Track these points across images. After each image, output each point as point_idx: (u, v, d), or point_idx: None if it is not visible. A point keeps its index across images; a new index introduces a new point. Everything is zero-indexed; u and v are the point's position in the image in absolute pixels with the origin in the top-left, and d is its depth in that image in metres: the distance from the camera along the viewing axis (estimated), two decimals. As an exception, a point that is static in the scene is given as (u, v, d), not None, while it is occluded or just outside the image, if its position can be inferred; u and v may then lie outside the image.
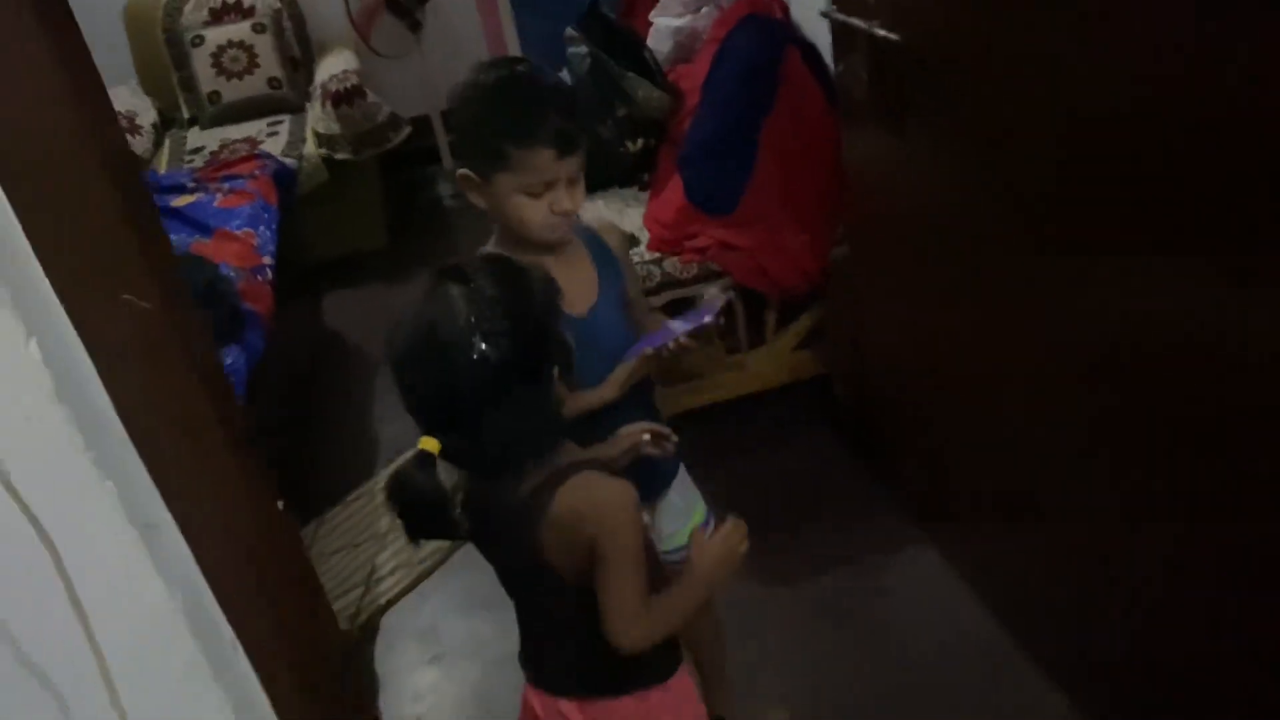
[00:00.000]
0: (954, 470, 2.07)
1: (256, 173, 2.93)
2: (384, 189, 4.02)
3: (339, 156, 3.59)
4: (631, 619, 1.16)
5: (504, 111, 1.34)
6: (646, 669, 1.28)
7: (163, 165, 3.67)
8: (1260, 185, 1.15)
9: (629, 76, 2.57)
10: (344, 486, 2.69)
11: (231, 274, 2.37)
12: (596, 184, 2.61)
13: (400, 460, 1.12)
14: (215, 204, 2.77)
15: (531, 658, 1.34)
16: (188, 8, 3.91)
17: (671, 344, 1.39)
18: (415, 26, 4.03)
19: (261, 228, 2.65)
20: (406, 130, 3.78)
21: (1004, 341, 1.74)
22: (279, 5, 3.95)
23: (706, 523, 1.61)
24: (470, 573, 2.35)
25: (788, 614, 2.08)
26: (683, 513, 1.59)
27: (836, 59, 2.06)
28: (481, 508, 1.20)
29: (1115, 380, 1.47)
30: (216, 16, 3.91)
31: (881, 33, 1.74)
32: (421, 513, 1.11)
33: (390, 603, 2.32)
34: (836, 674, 1.96)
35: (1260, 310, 1.19)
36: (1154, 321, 1.37)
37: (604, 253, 1.48)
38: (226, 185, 2.87)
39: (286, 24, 3.99)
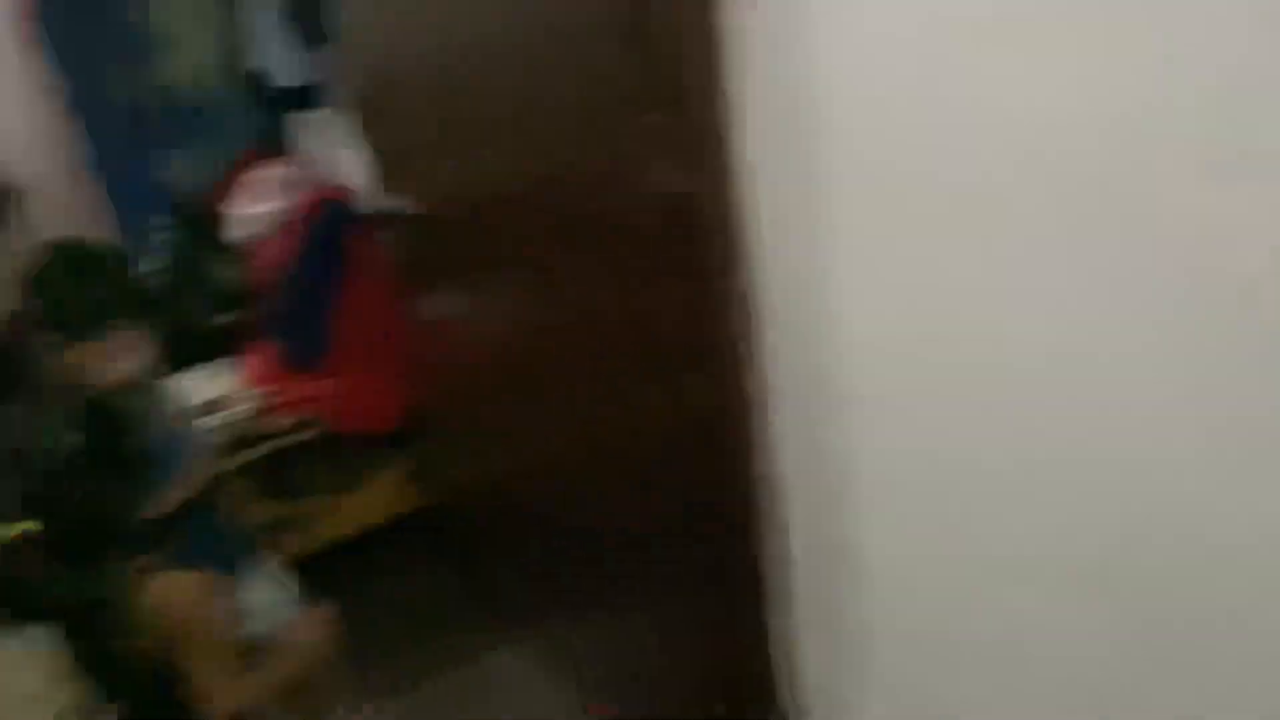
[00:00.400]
0: (519, 569, 2.46)
1: None
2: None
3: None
4: (218, 692, 1.37)
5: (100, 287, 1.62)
6: None
7: None
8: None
9: (212, 257, 2.86)
10: None
11: None
12: (188, 360, 2.82)
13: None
14: None
15: None
16: None
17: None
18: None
19: None
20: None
21: (531, 446, 2.17)
22: None
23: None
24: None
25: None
26: (268, 607, 1.80)
27: (387, 232, 2.49)
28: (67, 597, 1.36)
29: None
30: None
31: (411, 210, 2.18)
32: (16, 590, 1.28)
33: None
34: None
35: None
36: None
37: None
38: None
39: None
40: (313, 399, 2.70)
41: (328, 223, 2.84)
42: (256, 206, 3.17)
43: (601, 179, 1.58)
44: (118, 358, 1.58)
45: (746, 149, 1.34)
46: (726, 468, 1.59)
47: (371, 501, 2.87)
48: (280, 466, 2.68)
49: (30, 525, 1.26)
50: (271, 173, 3.22)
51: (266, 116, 3.23)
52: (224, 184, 3.43)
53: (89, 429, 1.34)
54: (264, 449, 2.64)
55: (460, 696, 2.39)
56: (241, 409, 2.67)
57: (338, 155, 3.29)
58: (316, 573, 2.11)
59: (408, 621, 2.64)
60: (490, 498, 2.50)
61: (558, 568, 2.25)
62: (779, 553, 1.63)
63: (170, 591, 1.37)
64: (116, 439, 1.39)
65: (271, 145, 3.26)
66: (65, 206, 4.39)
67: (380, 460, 2.88)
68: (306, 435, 2.66)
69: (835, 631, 1.59)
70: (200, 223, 2.98)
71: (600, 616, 2.19)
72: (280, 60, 3.04)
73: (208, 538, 1.63)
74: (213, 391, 2.68)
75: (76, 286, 1.59)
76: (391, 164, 2.35)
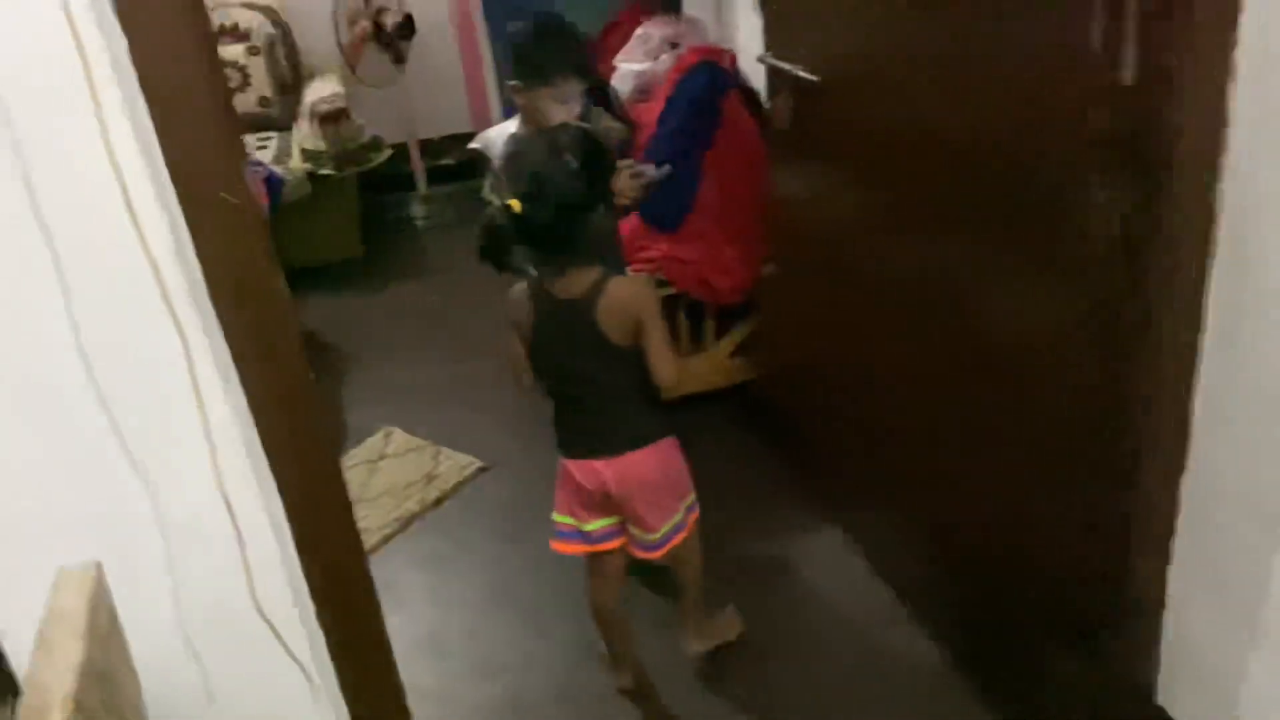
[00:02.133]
0: (844, 457, 2.40)
1: (249, 174, 3.21)
2: (361, 207, 4.32)
3: (322, 171, 3.90)
4: (670, 362, 1.77)
5: (556, 50, 2.15)
6: (658, 427, 1.88)
7: (156, 171, 3.94)
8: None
9: (592, 109, 2.91)
10: (315, 463, 2.95)
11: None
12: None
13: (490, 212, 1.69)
14: (211, 203, 3.05)
15: (574, 439, 1.88)
16: (187, 29, 4.21)
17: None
18: (399, 60, 4.36)
19: (254, 225, 2.93)
20: (387, 153, 4.10)
21: (891, 346, 2.07)
22: (273, 31, 4.27)
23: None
24: (426, 538, 2.63)
25: (714, 572, 2.36)
26: None
27: (769, 98, 2.42)
28: (549, 309, 1.77)
29: (979, 383, 1.80)
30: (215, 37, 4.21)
31: (803, 75, 2.08)
32: (493, 242, 1.68)
33: (354, 564, 2.57)
34: (746, 618, 2.24)
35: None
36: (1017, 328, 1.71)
37: None
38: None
39: (279, 49, 4.30)
40: (667, 260, 2.74)
41: (703, 84, 2.82)
42: (636, 62, 3.21)
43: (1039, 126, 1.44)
44: (562, 104, 2.07)
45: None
46: (1123, 384, 1.43)
47: (705, 367, 2.90)
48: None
49: (520, 205, 1.64)
50: (654, 29, 3.24)
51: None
52: (607, 35, 3.50)
53: (581, 153, 1.69)
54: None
55: (767, 569, 2.40)
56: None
57: (724, 15, 3.25)
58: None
59: (720, 490, 2.68)
60: (828, 381, 2.45)
61: (896, 461, 2.17)
62: (1168, 495, 1.47)
63: (625, 289, 1.75)
64: (599, 164, 1.74)
65: (661, 3, 3.28)
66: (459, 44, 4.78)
67: (720, 328, 2.90)
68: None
69: (1225, 588, 1.42)
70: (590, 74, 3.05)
71: (941, 519, 2.10)
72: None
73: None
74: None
75: (537, 44, 2.16)
76: (783, 27, 2.27)
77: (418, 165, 4.69)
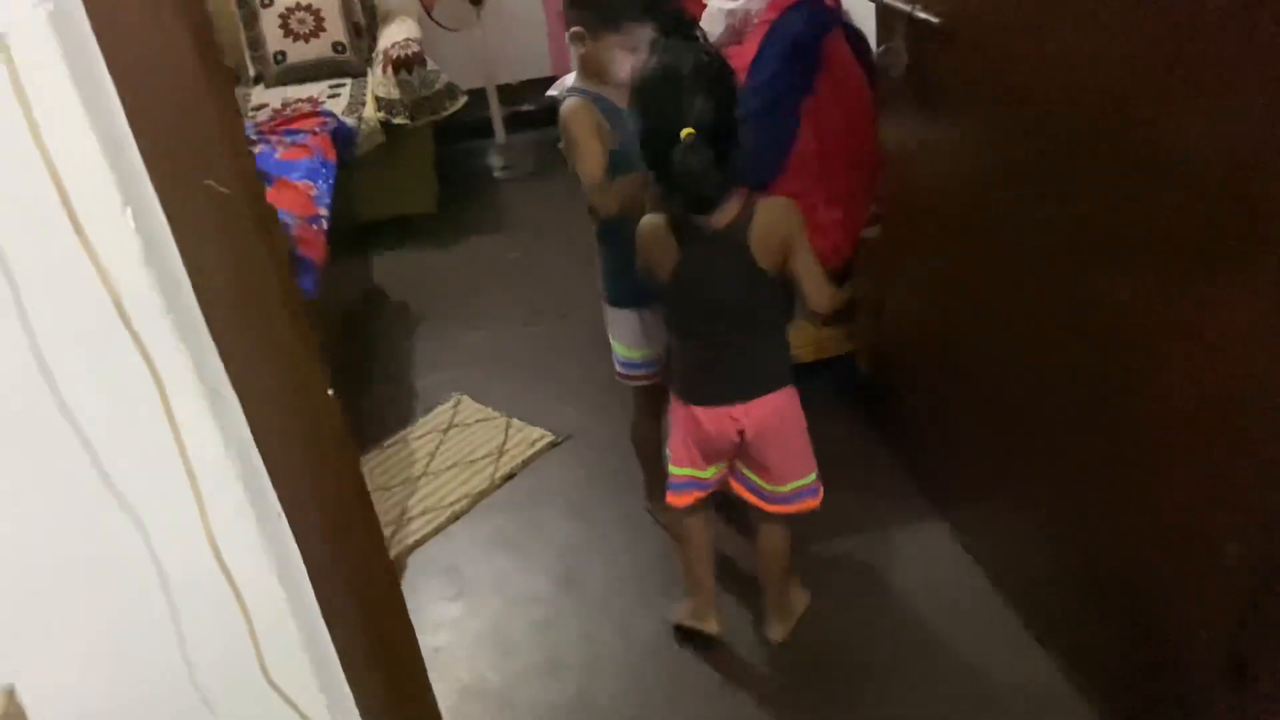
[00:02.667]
0: (964, 448, 2.14)
1: (317, 129, 3.05)
2: (436, 157, 4.14)
3: (396, 121, 3.72)
4: (824, 280, 1.71)
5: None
6: (790, 370, 1.81)
7: (227, 120, 3.81)
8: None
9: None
10: (382, 433, 2.81)
11: (289, 220, 2.49)
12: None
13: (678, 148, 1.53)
14: (277, 156, 2.89)
15: (707, 385, 1.79)
16: (259, -30, 4.05)
17: None
18: (477, 1, 4.13)
19: (320, 181, 2.77)
20: (463, 100, 3.90)
21: (1017, 324, 1.81)
22: (347, -28, 4.08)
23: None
24: (494, 517, 2.47)
25: (797, 564, 2.15)
26: None
27: (879, 41, 2.14)
28: (700, 240, 1.68)
29: (1113, 371, 1.54)
30: (287, -20, 4.05)
31: (922, 15, 1.81)
32: (696, 180, 1.55)
33: (417, 543, 2.42)
34: (837, 620, 2.04)
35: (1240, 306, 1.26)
36: (1154, 316, 1.44)
37: None
38: (288, 139, 2.99)
39: (354, -9, 4.12)
40: (758, 219, 2.49)
41: (803, 24, 2.53)
42: (728, 2, 2.94)
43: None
44: (631, 52, 1.82)
45: None
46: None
47: (796, 339, 2.66)
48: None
49: (692, 132, 1.53)
50: (748, -35, 2.95)
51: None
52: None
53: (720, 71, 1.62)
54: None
55: (867, 567, 2.18)
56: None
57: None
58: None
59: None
60: (947, 362, 2.19)
61: (1027, 460, 1.92)
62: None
63: (775, 210, 1.67)
64: (734, 83, 1.65)
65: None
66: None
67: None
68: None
69: None
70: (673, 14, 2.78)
71: (1078, 531, 1.85)
72: None
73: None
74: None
75: None
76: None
77: (496, 112, 4.49)
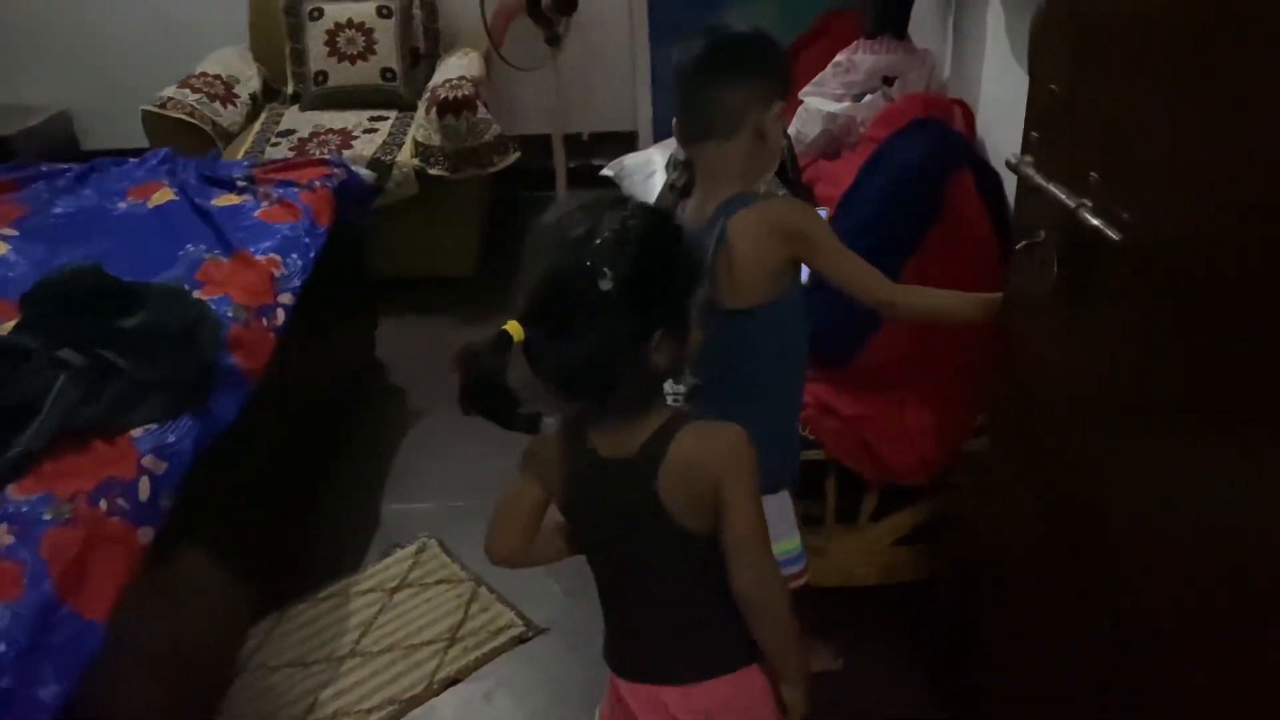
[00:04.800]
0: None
1: (318, 183, 2.52)
2: (486, 209, 3.61)
3: (433, 172, 3.19)
4: (768, 571, 1.18)
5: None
6: (747, 645, 1.24)
7: (247, 142, 3.34)
8: None
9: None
10: (323, 578, 2.26)
11: (230, 314, 1.96)
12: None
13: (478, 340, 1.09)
14: (255, 213, 2.38)
15: (627, 653, 1.30)
16: (314, -25, 3.57)
17: None
18: (554, 40, 3.58)
19: (293, 255, 2.23)
20: (514, 156, 3.36)
21: (1147, 566, 1.16)
22: (412, -10, 3.58)
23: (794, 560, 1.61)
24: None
25: None
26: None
27: (1017, 225, 1.50)
28: (585, 472, 1.19)
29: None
30: (342, -9, 3.56)
31: (1094, 221, 1.17)
32: (479, 388, 1.10)
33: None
34: None
35: None
36: None
37: None
38: (277, 192, 2.47)
39: (416, 12, 3.61)
40: (818, 409, 1.86)
41: (921, 157, 1.91)
42: (830, 98, 2.32)
43: None
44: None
45: None
46: None
47: (853, 555, 2.03)
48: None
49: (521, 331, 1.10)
50: (863, 55, 2.33)
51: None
52: (794, 54, 2.61)
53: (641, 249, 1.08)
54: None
55: None
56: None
57: (963, 49, 2.32)
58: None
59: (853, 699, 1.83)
60: (1047, 605, 1.53)
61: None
62: None
63: (703, 442, 1.15)
64: (670, 265, 1.13)
65: (878, 22, 2.35)
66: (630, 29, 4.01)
67: (882, 506, 2.01)
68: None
69: None
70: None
71: None
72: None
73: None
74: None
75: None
76: (1063, 122, 1.34)
77: (560, 164, 3.93)
